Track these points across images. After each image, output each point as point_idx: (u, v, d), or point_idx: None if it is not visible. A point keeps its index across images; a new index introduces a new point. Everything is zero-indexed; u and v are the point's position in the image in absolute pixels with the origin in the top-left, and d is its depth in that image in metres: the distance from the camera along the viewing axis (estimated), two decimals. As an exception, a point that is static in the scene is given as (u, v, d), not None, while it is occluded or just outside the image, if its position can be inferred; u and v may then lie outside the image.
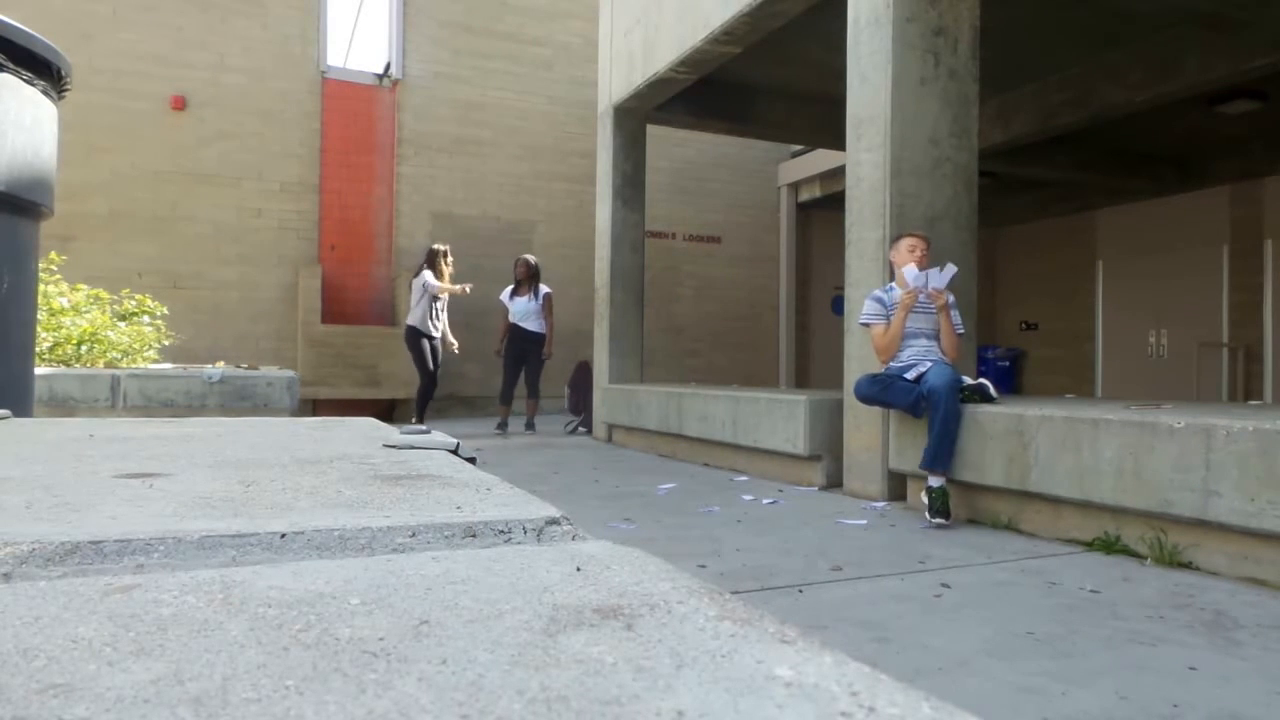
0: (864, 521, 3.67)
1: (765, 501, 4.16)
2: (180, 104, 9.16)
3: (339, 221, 9.91)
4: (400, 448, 1.47)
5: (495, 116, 10.50)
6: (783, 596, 2.50)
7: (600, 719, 0.41)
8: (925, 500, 3.57)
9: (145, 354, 7.07)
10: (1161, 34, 6.29)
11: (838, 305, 4.58)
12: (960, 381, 3.69)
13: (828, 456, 4.65)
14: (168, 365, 6.67)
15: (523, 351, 7.81)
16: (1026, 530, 3.47)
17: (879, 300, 3.94)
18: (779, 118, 8.04)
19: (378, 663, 0.48)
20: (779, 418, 4.88)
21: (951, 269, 3.82)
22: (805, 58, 6.87)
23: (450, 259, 7.98)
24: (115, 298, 7.28)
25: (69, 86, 2.89)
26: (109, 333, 6.64)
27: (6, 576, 0.66)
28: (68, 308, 6.46)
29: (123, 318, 7.19)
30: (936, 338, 3.91)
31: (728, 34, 5.93)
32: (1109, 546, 3.09)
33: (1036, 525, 3.44)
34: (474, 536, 0.82)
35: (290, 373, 5.67)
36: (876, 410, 4.18)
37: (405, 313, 9.74)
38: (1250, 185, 9.42)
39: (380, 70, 10.18)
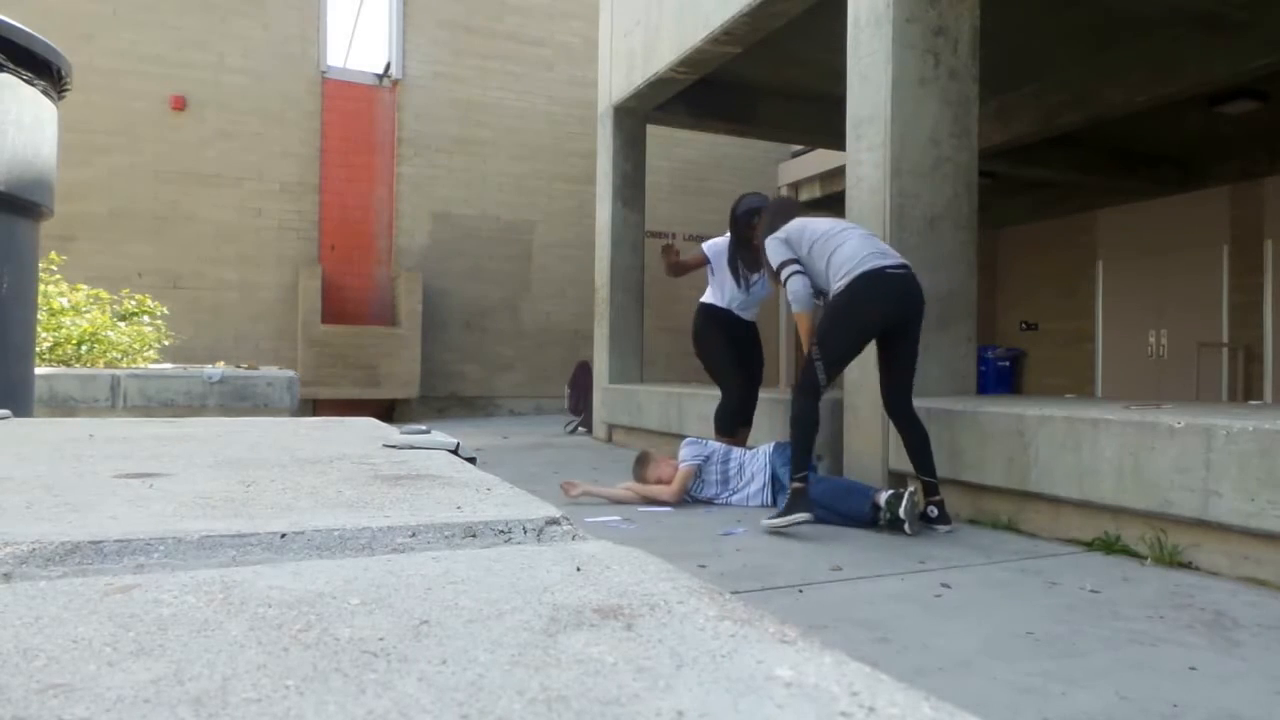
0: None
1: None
2: (180, 104, 9.17)
3: (339, 221, 9.92)
4: (400, 448, 1.47)
5: (495, 116, 10.51)
6: (783, 596, 2.50)
7: (600, 719, 0.41)
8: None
9: (145, 354, 7.07)
10: (1161, 34, 6.29)
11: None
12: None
13: (828, 456, 4.65)
14: (168, 365, 6.67)
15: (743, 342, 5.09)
16: (1026, 530, 3.47)
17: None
18: (779, 118, 8.04)
19: (378, 663, 0.48)
20: (779, 418, 4.87)
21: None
22: (805, 58, 6.87)
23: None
24: (115, 298, 7.28)
25: (69, 86, 2.89)
26: (109, 333, 6.64)
27: (6, 576, 0.66)
28: (68, 308, 6.46)
29: (123, 318, 7.20)
30: None
31: (728, 34, 5.93)
32: (1109, 546, 3.09)
33: (1036, 525, 3.44)
34: (474, 536, 0.82)
35: (290, 373, 5.67)
36: (877, 410, 4.18)
37: (406, 313, 9.76)
38: (1250, 185, 9.42)
39: (380, 70, 10.18)
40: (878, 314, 3.39)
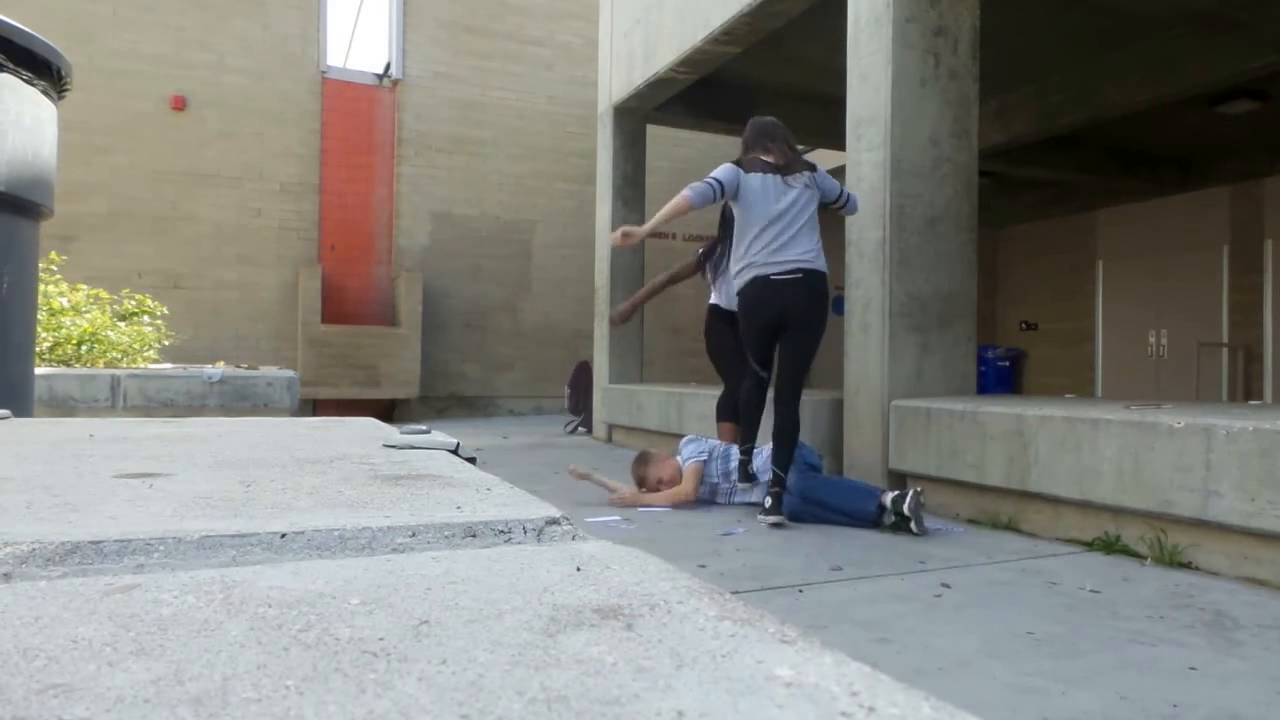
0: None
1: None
2: (180, 104, 9.17)
3: (339, 221, 9.91)
4: (400, 448, 1.47)
5: (495, 116, 10.50)
6: (783, 596, 2.50)
7: (600, 719, 0.41)
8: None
9: (145, 354, 7.07)
10: (1161, 34, 6.29)
11: (838, 305, 4.58)
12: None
13: (828, 456, 4.64)
14: (168, 365, 6.67)
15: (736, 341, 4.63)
16: (1026, 530, 3.47)
17: None
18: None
19: (378, 663, 0.48)
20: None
21: None
22: (805, 58, 6.87)
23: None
24: (115, 298, 7.28)
25: (69, 86, 2.89)
26: (109, 333, 6.64)
27: (6, 576, 0.66)
28: (68, 308, 6.46)
29: (123, 318, 7.19)
30: None
31: (727, 34, 5.93)
32: (1109, 546, 3.09)
33: (1036, 525, 3.44)
34: (474, 536, 0.82)
35: (290, 373, 5.67)
36: (876, 410, 4.19)
37: (406, 313, 9.76)
38: (1250, 185, 9.42)
39: (380, 70, 10.18)
40: (761, 318, 3.64)
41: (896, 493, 3.45)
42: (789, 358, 3.69)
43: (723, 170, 3.67)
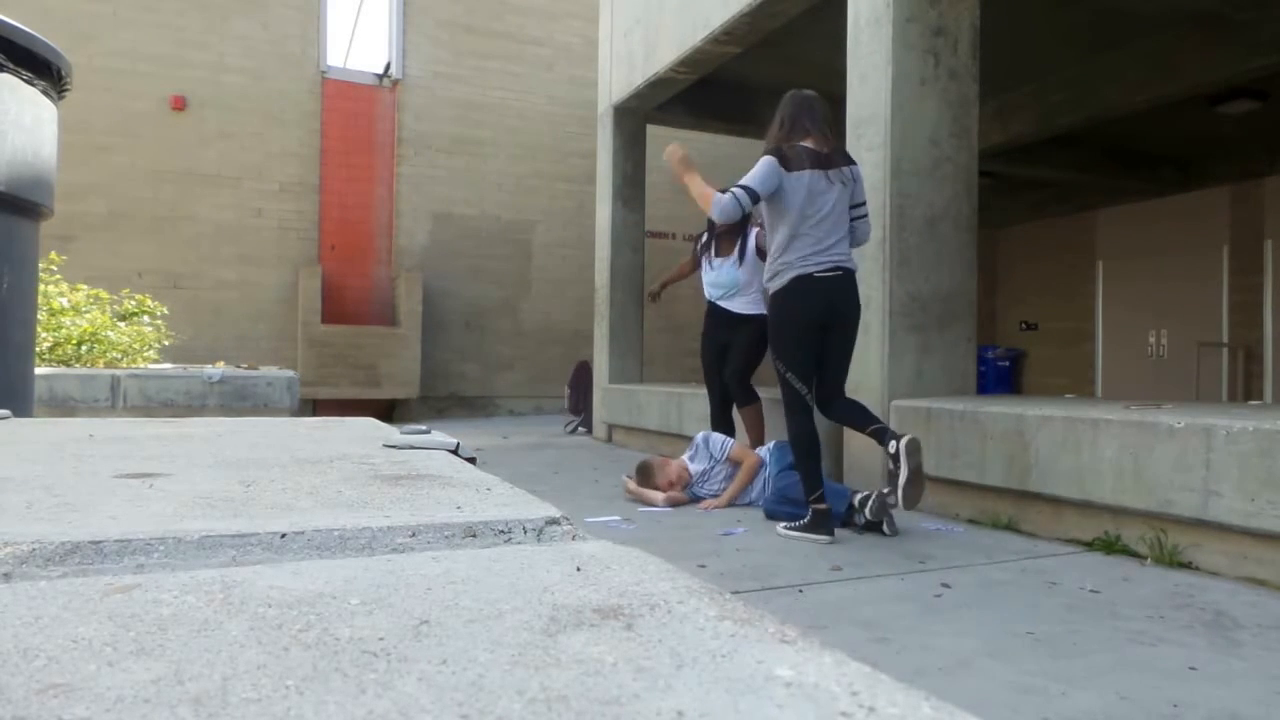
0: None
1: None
2: (180, 104, 9.17)
3: (339, 221, 9.91)
4: (400, 448, 1.47)
5: (495, 116, 10.50)
6: (783, 596, 2.50)
7: (600, 719, 0.41)
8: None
9: (145, 354, 7.07)
10: (1161, 34, 6.29)
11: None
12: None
13: (827, 458, 4.64)
14: (168, 365, 6.67)
15: (724, 345, 4.78)
16: (1026, 530, 3.47)
17: None
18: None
19: (378, 663, 0.48)
20: (779, 418, 4.87)
21: None
22: (805, 58, 6.87)
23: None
24: (115, 298, 7.28)
25: (69, 86, 2.89)
26: (109, 333, 6.64)
27: (6, 576, 0.66)
28: (68, 308, 6.46)
29: (123, 318, 7.20)
30: None
31: (728, 34, 5.93)
32: (1109, 546, 3.09)
33: (1036, 525, 3.44)
34: (474, 536, 0.82)
35: (290, 373, 5.67)
36: (876, 410, 4.18)
37: (406, 313, 9.76)
38: (1250, 185, 9.41)
39: (380, 70, 10.18)
40: (804, 318, 3.33)
41: (862, 494, 3.44)
42: (839, 357, 3.47)
43: (761, 176, 3.30)
